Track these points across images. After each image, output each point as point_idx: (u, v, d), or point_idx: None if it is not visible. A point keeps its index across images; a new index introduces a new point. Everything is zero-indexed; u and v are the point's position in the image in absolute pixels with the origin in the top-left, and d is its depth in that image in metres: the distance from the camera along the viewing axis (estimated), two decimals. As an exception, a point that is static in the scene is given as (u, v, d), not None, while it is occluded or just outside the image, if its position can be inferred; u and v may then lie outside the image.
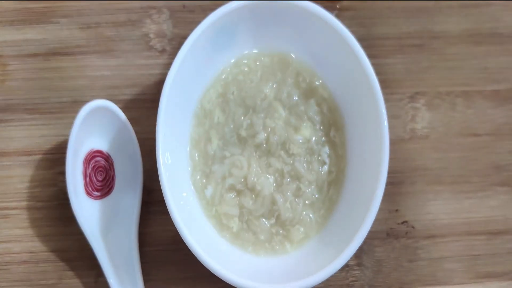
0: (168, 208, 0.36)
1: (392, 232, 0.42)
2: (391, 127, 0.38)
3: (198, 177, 0.40)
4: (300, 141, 0.41)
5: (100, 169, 0.40)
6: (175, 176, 0.38)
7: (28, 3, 0.44)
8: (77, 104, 0.42)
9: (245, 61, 0.42)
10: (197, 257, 0.36)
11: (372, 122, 0.39)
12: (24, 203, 0.41)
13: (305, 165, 0.40)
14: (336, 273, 0.36)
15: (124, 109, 0.40)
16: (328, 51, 0.40)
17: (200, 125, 0.41)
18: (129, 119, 0.40)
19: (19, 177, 0.42)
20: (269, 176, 0.40)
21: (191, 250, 0.36)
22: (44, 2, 0.45)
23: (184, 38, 0.41)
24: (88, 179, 0.40)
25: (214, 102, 0.41)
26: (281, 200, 0.40)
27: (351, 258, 0.36)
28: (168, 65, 0.43)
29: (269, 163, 0.40)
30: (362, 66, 0.38)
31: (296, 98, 0.41)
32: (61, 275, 0.40)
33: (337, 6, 0.45)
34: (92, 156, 0.40)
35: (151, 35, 0.44)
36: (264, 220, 0.40)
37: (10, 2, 0.44)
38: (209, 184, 0.40)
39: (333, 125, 0.41)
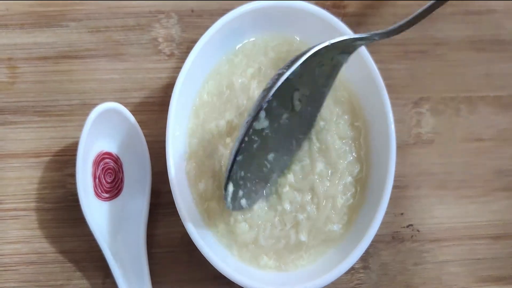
0: (179, 212, 0.36)
1: (397, 236, 0.42)
2: (396, 132, 0.39)
3: (193, 170, 0.40)
4: None
5: (109, 171, 0.40)
6: (181, 174, 0.38)
7: (38, 7, 0.45)
8: (86, 107, 0.43)
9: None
10: (210, 262, 0.36)
11: (378, 127, 0.39)
12: (33, 204, 0.42)
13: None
14: (341, 276, 0.36)
15: (133, 112, 0.40)
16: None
17: (197, 116, 0.40)
18: (138, 122, 0.40)
19: (28, 179, 0.42)
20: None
21: (203, 254, 0.36)
22: (54, 6, 0.45)
23: (192, 42, 0.42)
24: (97, 180, 0.40)
25: (212, 93, 0.41)
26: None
27: (356, 261, 0.36)
28: (176, 69, 0.44)
29: None
30: (370, 71, 0.39)
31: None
32: (69, 276, 0.40)
33: (343, 12, 0.46)
34: (102, 158, 0.40)
35: (160, 39, 0.45)
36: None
37: (21, 6, 0.45)
38: (202, 178, 0.39)
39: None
